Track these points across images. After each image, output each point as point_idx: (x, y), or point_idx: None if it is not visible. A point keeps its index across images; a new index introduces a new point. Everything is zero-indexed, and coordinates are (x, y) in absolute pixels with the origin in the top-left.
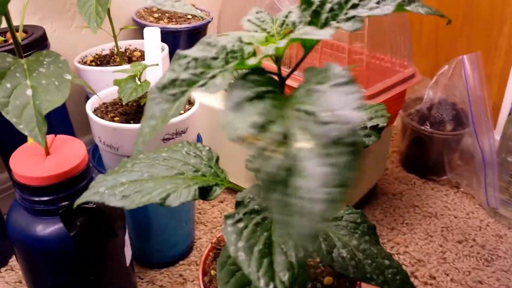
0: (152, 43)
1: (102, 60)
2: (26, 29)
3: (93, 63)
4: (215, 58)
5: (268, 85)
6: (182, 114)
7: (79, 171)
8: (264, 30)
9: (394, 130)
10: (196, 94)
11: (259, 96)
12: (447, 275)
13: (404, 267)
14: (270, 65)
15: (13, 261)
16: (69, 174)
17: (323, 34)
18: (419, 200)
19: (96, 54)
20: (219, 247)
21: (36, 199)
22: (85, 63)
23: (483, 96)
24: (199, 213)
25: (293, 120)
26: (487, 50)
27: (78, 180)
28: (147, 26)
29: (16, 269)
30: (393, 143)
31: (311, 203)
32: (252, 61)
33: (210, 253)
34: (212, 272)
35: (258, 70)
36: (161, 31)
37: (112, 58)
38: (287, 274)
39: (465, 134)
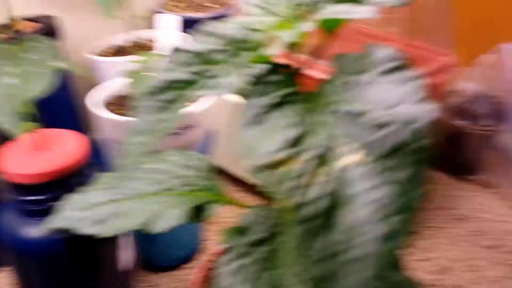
0: (165, 32)
1: (117, 51)
2: (38, 19)
3: (107, 54)
4: (220, 51)
5: (291, 85)
6: (192, 106)
7: (74, 169)
8: (272, 13)
9: None
10: None
11: (285, 101)
12: (476, 284)
13: (427, 275)
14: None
15: None
16: (62, 172)
17: (365, 11)
18: (447, 201)
19: (111, 45)
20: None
21: (25, 198)
22: (99, 54)
23: None
24: None
25: (336, 126)
26: None
27: (72, 178)
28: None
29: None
30: None
31: (379, 240)
32: (271, 51)
33: (201, 274)
34: None
35: (275, 65)
36: (185, 20)
37: (128, 49)
38: None
39: (503, 130)
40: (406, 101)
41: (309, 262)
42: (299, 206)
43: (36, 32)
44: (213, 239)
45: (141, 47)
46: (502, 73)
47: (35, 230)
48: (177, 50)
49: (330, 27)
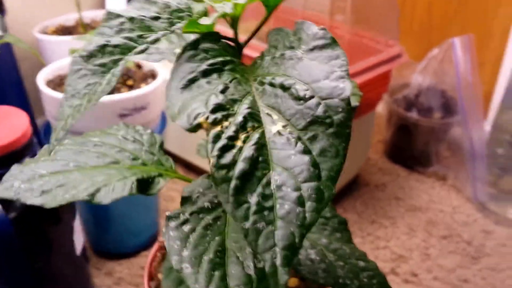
0: (114, 3)
1: (65, 31)
2: None
3: (55, 34)
4: (156, 18)
5: (225, 54)
6: (142, 87)
7: (20, 146)
8: None
9: (380, 118)
10: (159, 65)
11: (216, 69)
12: (430, 272)
13: (384, 263)
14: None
15: None
16: (8, 149)
17: None
18: (403, 193)
19: (60, 25)
20: None
21: None
22: (46, 33)
23: (474, 83)
24: (165, 200)
25: (262, 97)
26: (481, 35)
27: (19, 155)
28: None
29: None
30: (379, 132)
31: (292, 204)
32: (205, 21)
33: (158, 254)
34: (159, 275)
35: (211, 35)
36: None
37: (76, 29)
38: None
39: (454, 123)
40: (330, 77)
41: (240, 220)
42: (222, 167)
43: None
44: None
45: (91, 28)
46: (453, 67)
47: None
48: (109, 14)
49: (270, 3)
